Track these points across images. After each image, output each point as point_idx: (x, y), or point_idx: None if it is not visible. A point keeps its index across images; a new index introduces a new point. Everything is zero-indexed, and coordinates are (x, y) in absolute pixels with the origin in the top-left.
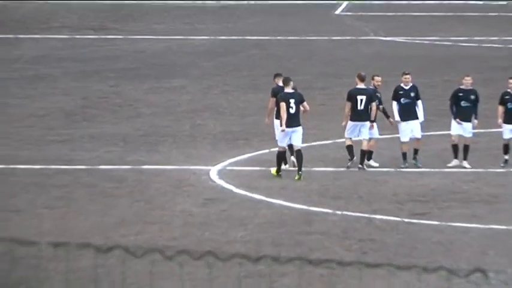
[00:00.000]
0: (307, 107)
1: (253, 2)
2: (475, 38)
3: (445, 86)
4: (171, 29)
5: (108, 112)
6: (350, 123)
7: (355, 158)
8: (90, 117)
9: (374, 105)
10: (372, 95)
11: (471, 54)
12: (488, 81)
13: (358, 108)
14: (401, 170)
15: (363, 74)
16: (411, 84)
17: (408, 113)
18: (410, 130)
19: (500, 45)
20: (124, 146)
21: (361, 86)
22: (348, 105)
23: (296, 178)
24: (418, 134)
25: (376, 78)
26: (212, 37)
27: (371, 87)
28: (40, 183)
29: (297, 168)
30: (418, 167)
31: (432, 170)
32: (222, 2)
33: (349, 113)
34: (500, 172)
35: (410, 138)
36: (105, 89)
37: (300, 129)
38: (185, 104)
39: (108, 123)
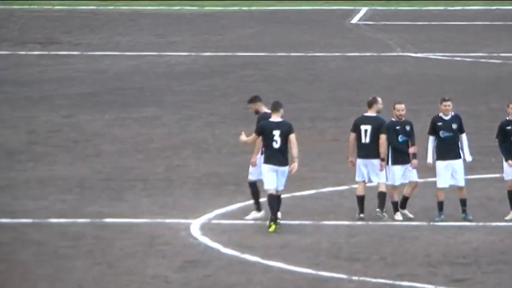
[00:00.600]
0: (294, 142)
1: (246, 7)
2: None
3: (492, 115)
4: (140, 42)
5: (60, 150)
6: (357, 162)
7: (363, 214)
8: (37, 156)
9: (383, 137)
10: (380, 125)
11: None
12: None
13: (363, 141)
14: (436, 223)
15: (370, 98)
16: (452, 114)
17: (448, 150)
18: (450, 173)
19: None
20: (80, 193)
21: (368, 113)
22: (352, 136)
23: (270, 230)
24: (461, 180)
25: (398, 106)
26: (193, 53)
27: (393, 118)
28: None
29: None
30: (469, 220)
31: (475, 224)
32: (205, 8)
33: (355, 147)
34: None
35: (451, 185)
36: (56, 120)
37: (286, 169)
38: (159, 140)
39: (60, 163)
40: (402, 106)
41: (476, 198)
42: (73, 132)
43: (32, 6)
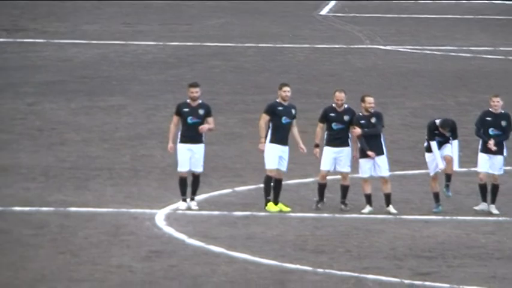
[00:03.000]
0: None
1: None
2: (501, 49)
3: (461, 109)
4: (106, 31)
5: (25, 138)
6: (325, 150)
7: (322, 203)
8: (1, 144)
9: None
10: (352, 115)
11: (495, 69)
12: None
13: (332, 130)
14: (402, 217)
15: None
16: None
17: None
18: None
19: None
20: (45, 181)
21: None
22: (320, 126)
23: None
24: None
25: (367, 99)
26: (160, 43)
27: (361, 113)
28: None
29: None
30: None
31: (441, 217)
32: None
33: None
34: None
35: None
36: (21, 108)
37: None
38: (125, 129)
39: (24, 151)
40: (371, 99)
41: (442, 191)
42: (38, 121)
43: None
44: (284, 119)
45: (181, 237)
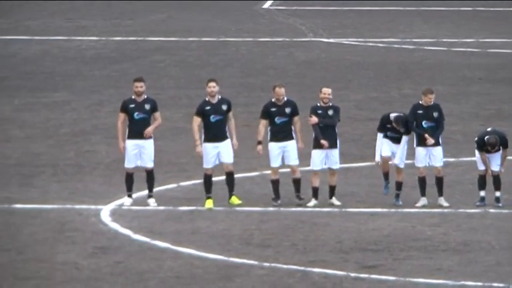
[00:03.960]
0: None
1: None
2: (444, 40)
3: (405, 101)
4: (49, 27)
5: None
6: (271, 146)
7: (280, 201)
8: None
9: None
10: (294, 107)
11: (439, 61)
12: (460, 96)
13: (276, 124)
14: (347, 209)
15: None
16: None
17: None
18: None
19: (476, 49)
20: None
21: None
22: (263, 122)
23: None
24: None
25: (324, 90)
26: (103, 38)
27: (319, 103)
28: None
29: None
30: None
31: (387, 210)
32: None
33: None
34: (473, 213)
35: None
36: None
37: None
38: (69, 125)
39: None
40: (329, 90)
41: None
42: None
43: None
44: (212, 117)
45: (126, 233)
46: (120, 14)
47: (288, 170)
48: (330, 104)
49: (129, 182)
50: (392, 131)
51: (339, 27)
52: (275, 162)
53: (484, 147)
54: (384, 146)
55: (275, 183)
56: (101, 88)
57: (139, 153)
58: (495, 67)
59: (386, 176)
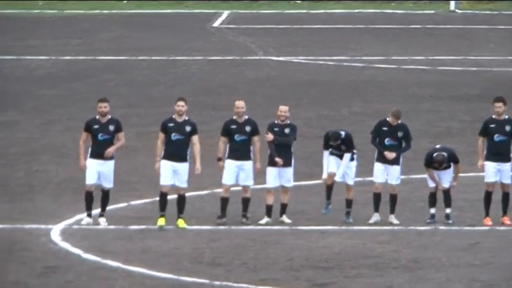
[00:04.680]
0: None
1: (106, 11)
2: (394, 58)
3: (355, 119)
4: None
5: None
6: (227, 164)
7: (225, 218)
8: None
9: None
10: (254, 126)
11: (389, 79)
12: (410, 113)
13: (235, 142)
14: (299, 227)
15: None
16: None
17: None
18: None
19: (425, 67)
20: None
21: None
22: (222, 140)
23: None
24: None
25: (281, 108)
26: (52, 57)
27: (276, 121)
28: None
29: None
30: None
31: (337, 227)
32: (65, 11)
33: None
34: (423, 230)
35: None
36: None
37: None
38: (18, 145)
39: None
40: (286, 108)
41: (338, 202)
42: None
43: None
44: (173, 136)
45: (77, 252)
46: (69, 33)
47: (239, 188)
48: (287, 122)
49: (89, 200)
50: (336, 148)
51: (289, 45)
52: (228, 180)
53: (432, 164)
54: (330, 163)
55: (224, 201)
56: (51, 107)
57: (99, 172)
58: (445, 84)
59: (329, 194)
